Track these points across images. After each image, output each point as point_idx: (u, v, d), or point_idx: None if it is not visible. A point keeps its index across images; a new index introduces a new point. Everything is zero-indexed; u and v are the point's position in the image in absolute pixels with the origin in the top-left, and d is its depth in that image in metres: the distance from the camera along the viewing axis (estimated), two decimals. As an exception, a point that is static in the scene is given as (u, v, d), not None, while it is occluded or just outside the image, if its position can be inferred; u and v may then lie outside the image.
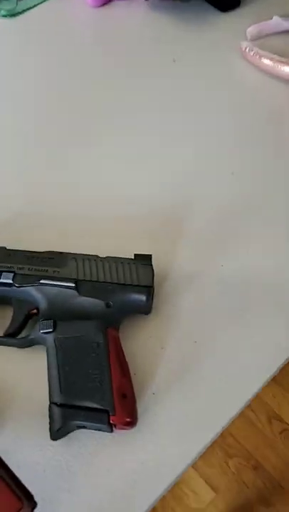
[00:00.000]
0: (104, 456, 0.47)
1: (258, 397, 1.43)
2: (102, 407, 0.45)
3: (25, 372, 0.52)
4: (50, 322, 0.49)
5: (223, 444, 1.39)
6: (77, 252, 0.55)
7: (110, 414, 0.45)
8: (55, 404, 0.46)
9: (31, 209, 0.65)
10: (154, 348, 0.53)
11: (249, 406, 1.40)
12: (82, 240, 0.59)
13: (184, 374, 0.52)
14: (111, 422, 0.45)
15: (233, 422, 0.51)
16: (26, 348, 0.52)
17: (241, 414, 0.50)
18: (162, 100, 0.79)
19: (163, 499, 1.40)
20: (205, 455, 1.48)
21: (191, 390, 0.51)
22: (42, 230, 0.62)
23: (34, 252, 0.55)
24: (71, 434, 0.47)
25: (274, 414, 1.44)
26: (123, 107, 0.78)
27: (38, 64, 0.85)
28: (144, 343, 0.53)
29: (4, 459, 0.42)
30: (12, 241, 0.56)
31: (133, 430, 0.47)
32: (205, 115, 0.77)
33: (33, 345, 0.52)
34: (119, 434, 0.47)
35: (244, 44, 0.82)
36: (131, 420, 0.45)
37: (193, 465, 1.35)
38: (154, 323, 0.55)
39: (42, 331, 0.49)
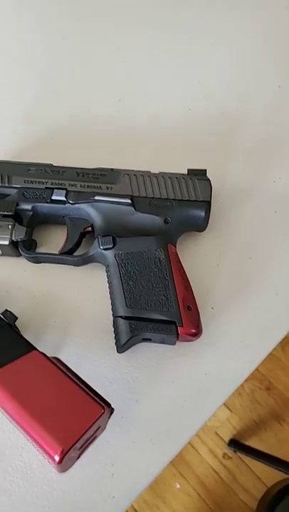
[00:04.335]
0: (168, 368, 0.48)
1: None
2: (169, 319, 0.45)
3: (83, 290, 0.51)
4: (110, 238, 0.48)
5: (238, 367, 1.45)
6: (128, 169, 0.53)
7: (178, 325, 0.45)
8: (121, 317, 0.46)
9: (74, 126, 0.62)
10: (210, 265, 0.53)
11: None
12: (130, 157, 0.57)
13: (241, 289, 0.52)
14: (179, 332, 0.45)
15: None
16: (81, 267, 0.52)
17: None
18: (206, 12, 0.73)
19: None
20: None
21: (249, 304, 0.51)
22: (86, 147, 0.59)
23: (84, 168, 0.52)
24: (134, 348, 0.48)
25: (288, 341, 1.48)
26: (165, 20, 0.72)
27: None
28: (200, 260, 0.53)
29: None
30: (57, 159, 0.54)
31: (195, 343, 0.48)
32: (249, 25, 0.71)
33: (90, 262, 0.51)
34: (181, 346, 0.48)
35: None
36: (197, 331, 0.46)
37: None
38: (208, 241, 0.54)
39: (102, 246, 0.48)
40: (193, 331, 0.45)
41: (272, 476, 1.24)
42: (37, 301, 0.51)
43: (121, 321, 0.46)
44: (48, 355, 0.43)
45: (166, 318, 0.45)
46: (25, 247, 0.50)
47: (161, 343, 0.47)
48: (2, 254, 0.51)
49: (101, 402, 0.40)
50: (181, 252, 0.52)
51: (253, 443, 1.30)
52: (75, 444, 0.37)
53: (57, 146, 0.60)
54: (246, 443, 1.30)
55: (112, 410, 0.41)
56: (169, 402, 0.47)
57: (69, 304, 0.51)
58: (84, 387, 0.40)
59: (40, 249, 0.53)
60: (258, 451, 1.25)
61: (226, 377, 0.48)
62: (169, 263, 0.47)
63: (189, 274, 0.50)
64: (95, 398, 0.40)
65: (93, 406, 0.39)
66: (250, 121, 0.62)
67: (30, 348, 0.43)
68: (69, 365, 0.43)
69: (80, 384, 0.41)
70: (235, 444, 1.29)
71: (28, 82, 0.66)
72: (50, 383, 0.40)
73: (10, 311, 0.45)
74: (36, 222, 0.52)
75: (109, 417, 0.41)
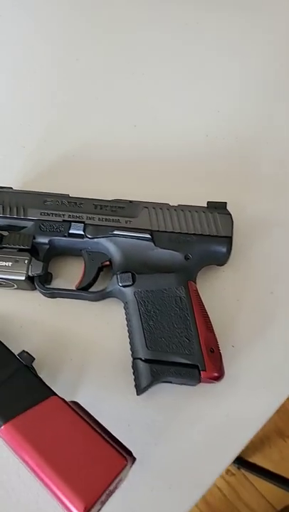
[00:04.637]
0: (189, 410, 0.47)
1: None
2: (191, 363, 0.44)
3: (100, 326, 0.50)
4: (129, 275, 0.47)
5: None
6: (146, 200, 0.51)
7: (200, 369, 0.44)
8: (141, 359, 0.44)
9: (89, 154, 0.60)
10: (230, 300, 0.51)
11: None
12: (146, 186, 0.55)
13: (262, 325, 0.51)
14: (201, 376, 0.44)
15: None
16: (98, 302, 0.50)
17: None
18: (222, 37, 0.71)
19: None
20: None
21: (270, 341, 0.50)
22: (102, 176, 0.57)
23: (101, 200, 0.51)
24: (153, 389, 0.46)
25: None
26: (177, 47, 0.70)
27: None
28: (220, 296, 0.52)
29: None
30: (72, 188, 0.52)
31: (216, 383, 0.46)
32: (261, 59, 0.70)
33: (107, 298, 0.49)
34: (201, 387, 0.46)
35: None
36: (220, 374, 0.44)
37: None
38: (228, 274, 0.53)
39: (121, 283, 0.46)
40: (216, 375, 0.44)
41: (276, 494, 1.22)
42: (52, 337, 0.49)
43: (141, 364, 0.44)
44: (65, 395, 0.42)
45: (188, 362, 0.44)
46: (41, 282, 0.49)
47: (181, 384, 0.46)
48: (17, 288, 0.50)
49: (123, 452, 0.38)
50: (200, 286, 0.50)
51: (256, 459, 1.28)
52: (97, 500, 0.36)
53: (72, 174, 0.58)
54: (250, 459, 1.29)
55: (134, 460, 0.39)
56: (190, 445, 0.45)
57: (85, 341, 0.49)
58: (105, 436, 0.39)
59: (56, 281, 0.52)
60: (262, 469, 1.23)
61: (247, 418, 0.47)
62: (190, 302, 0.46)
63: (208, 310, 0.48)
64: (117, 448, 0.38)
65: (116, 457, 0.38)
66: (268, 149, 0.61)
67: (49, 393, 0.41)
68: (86, 406, 0.42)
69: (100, 432, 0.39)
70: (239, 460, 1.27)
71: (43, 109, 0.64)
72: (71, 432, 0.39)
73: (27, 352, 0.44)
74: (53, 255, 0.51)
75: (130, 467, 0.40)
